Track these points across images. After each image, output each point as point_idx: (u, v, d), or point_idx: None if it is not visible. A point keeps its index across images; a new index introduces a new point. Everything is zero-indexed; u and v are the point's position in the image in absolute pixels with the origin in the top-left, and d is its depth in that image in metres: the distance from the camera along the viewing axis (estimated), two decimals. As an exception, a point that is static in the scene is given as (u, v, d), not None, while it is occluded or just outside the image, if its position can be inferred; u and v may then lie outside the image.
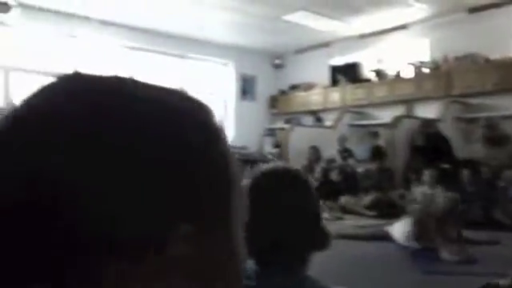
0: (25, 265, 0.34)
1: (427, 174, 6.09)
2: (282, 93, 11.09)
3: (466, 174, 5.86)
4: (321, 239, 1.01)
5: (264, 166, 1.06)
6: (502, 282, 2.45)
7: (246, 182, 1.01)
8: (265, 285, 0.94)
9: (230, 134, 10.55)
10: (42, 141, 0.34)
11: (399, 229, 4.25)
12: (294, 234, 0.97)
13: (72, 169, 0.34)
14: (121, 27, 8.68)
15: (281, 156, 8.97)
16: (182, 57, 9.99)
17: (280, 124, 10.58)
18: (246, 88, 10.94)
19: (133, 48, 9.25)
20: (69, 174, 0.34)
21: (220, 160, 0.41)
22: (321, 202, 1.10)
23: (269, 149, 10.05)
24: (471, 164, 6.05)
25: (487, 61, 7.45)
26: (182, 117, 0.40)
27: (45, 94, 0.38)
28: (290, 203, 0.99)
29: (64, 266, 0.34)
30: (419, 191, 6.14)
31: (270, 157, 9.46)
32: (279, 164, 1.11)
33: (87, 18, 8.16)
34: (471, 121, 7.23)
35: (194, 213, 0.38)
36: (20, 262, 0.34)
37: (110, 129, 0.36)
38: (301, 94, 10.55)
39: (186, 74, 10.01)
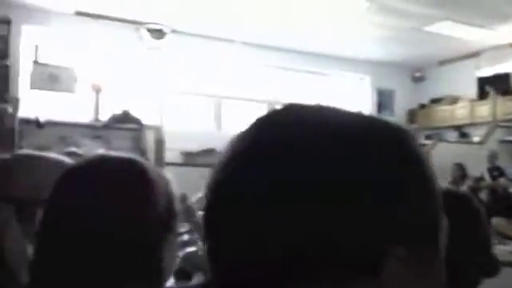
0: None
1: None
2: (422, 107, 10.66)
3: None
4: (491, 265, 1.01)
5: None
6: None
7: None
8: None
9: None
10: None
11: None
12: (467, 260, 0.96)
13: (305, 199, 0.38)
14: (262, 47, 9.12)
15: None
16: (319, 74, 10.17)
17: (420, 139, 10.17)
18: (383, 102, 10.72)
19: (272, 67, 9.65)
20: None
21: (430, 184, 0.43)
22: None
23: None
24: None
25: None
26: (391, 144, 0.44)
27: (270, 124, 0.44)
28: (464, 229, 0.96)
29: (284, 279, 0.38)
30: None
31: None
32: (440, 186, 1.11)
33: (231, 41, 8.73)
34: None
35: (410, 235, 0.40)
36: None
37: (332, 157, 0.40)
38: (443, 108, 10.04)
39: (322, 91, 10.16)
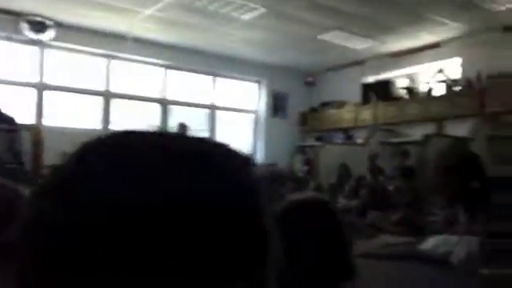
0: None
1: (457, 194, 6.02)
2: (313, 110, 11.16)
3: (496, 193, 5.75)
4: (349, 269, 1.04)
5: (292, 197, 1.08)
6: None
7: (275, 211, 1.07)
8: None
9: (261, 151, 10.68)
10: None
11: (458, 249, 4.17)
12: (324, 265, 1.00)
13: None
14: (154, 45, 8.97)
15: (311, 173, 9.01)
16: (213, 75, 10.24)
17: (311, 141, 10.63)
18: (278, 105, 11.07)
19: (163, 65, 9.53)
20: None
21: (264, 220, 0.43)
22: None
23: (299, 166, 10.11)
24: (503, 183, 5.93)
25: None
26: (228, 176, 0.43)
27: (100, 150, 0.42)
28: (320, 234, 1.01)
29: None
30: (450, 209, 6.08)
31: (300, 174, 9.52)
32: (307, 194, 1.12)
33: (122, 37, 8.48)
34: (506, 138, 7.10)
35: (248, 270, 0.41)
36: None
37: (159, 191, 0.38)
38: (332, 112, 10.59)
39: (217, 92, 10.26)
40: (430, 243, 4.41)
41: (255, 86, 11.00)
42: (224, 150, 0.46)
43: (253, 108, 11.01)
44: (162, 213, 0.37)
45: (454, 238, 4.24)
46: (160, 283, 0.36)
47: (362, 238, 5.85)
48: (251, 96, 10.99)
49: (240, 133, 10.75)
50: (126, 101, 9.17)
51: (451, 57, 8.56)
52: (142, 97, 9.34)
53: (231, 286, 0.39)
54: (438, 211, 6.37)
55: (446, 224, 6.01)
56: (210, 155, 0.43)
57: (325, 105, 10.90)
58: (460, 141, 7.03)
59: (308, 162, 9.62)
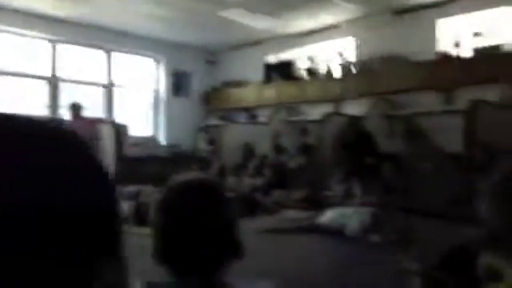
0: None
1: (353, 169, 6.40)
2: (216, 89, 11.13)
3: (388, 167, 6.20)
4: (235, 248, 1.05)
5: (179, 177, 1.07)
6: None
7: (160, 193, 1.06)
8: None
9: (163, 132, 10.47)
10: None
11: (352, 221, 4.38)
12: (208, 245, 1.00)
13: None
14: (42, 18, 8.33)
15: (215, 153, 9.03)
16: (109, 50, 9.76)
17: (214, 121, 10.62)
18: (180, 84, 10.87)
19: (55, 40, 8.91)
20: None
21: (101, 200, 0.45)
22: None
23: (203, 146, 10.07)
24: (393, 158, 6.40)
25: (409, 61, 7.91)
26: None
27: None
28: (204, 215, 1.01)
29: None
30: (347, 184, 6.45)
31: (204, 154, 9.50)
32: (195, 175, 1.12)
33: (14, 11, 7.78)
34: (394, 117, 7.64)
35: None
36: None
37: None
38: (235, 91, 10.63)
39: (114, 69, 9.81)
40: (326, 216, 4.67)
41: (154, 63, 10.68)
42: (55, 132, 0.45)
43: (153, 86, 10.70)
44: None
45: (348, 211, 4.52)
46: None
47: (267, 215, 6.05)
48: (151, 74, 10.66)
49: (140, 112, 10.42)
50: (12, 78, 8.42)
51: (347, 38, 8.95)
52: (28, 74, 8.63)
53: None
54: (336, 186, 6.74)
55: (343, 197, 6.39)
56: (37, 137, 0.43)
57: (227, 84, 10.91)
58: (356, 119, 7.43)
59: (212, 142, 9.62)
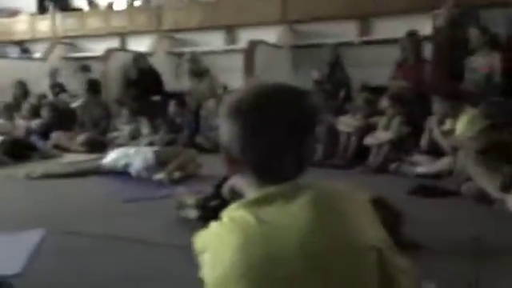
0: None
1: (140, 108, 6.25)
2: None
3: (173, 105, 6.20)
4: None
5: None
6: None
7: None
8: None
9: None
10: None
11: (135, 161, 4.21)
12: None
13: None
14: None
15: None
16: None
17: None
18: None
19: None
20: None
21: None
22: None
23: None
24: (179, 96, 6.43)
25: (193, -1, 7.92)
26: None
27: None
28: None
29: None
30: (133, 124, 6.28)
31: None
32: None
33: None
34: (179, 55, 7.62)
35: None
36: None
37: None
38: (3, 22, 9.26)
39: None
40: (110, 158, 4.47)
41: None
42: None
43: None
44: None
45: (131, 151, 4.40)
46: None
47: (46, 160, 5.52)
48: None
49: None
50: None
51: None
52: None
53: None
54: (123, 126, 6.50)
55: (130, 137, 6.21)
56: None
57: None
58: (141, 56, 7.18)
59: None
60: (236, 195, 1.00)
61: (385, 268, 0.83)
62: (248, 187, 0.91)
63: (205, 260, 0.86)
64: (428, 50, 5.47)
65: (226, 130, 0.89)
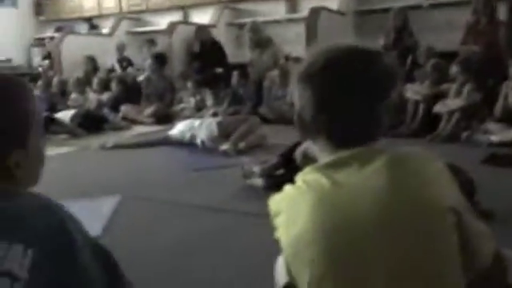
0: None
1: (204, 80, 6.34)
2: (49, -3, 9.94)
3: (236, 77, 6.24)
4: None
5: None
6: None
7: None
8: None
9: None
10: None
11: (201, 132, 4.33)
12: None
13: None
14: None
15: (53, 68, 8.21)
16: None
17: (50, 33, 9.55)
18: (4, -9, 9.44)
19: None
20: None
21: None
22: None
23: (38, 61, 9.07)
24: (241, 68, 6.45)
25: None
26: None
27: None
28: None
29: None
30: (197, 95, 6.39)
31: (40, 69, 8.59)
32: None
33: None
34: (241, 26, 7.61)
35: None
36: None
37: None
38: (71, -1, 9.62)
39: None
40: (176, 129, 4.60)
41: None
42: None
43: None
44: None
45: (197, 122, 4.50)
46: None
47: (116, 131, 5.78)
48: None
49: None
50: None
51: None
52: None
53: None
54: (188, 98, 6.64)
55: (196, 109, 6.34)
56: None
57: (62, -10, 9.77)
58: (203, 28, 7.24)
59: (48, 56, 8.68)
60: (309, 160, 1.00)
61: (465, 231, 0.81)
62: (321, 152, 0.91)
63: (280, 222, 0.87)
64: (502, 12, 5.11)
65: (297, 95, 0.89)
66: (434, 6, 6.47)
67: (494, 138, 3.85)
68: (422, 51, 5.23)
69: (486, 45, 4.89)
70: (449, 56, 4.88)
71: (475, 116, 4.16)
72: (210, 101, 6.33)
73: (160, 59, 7.12)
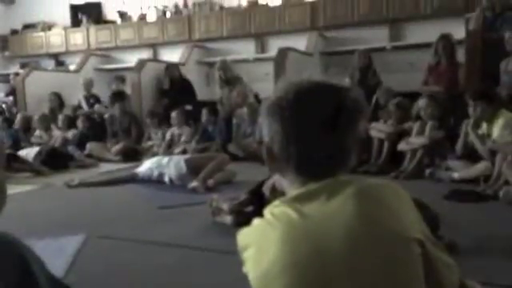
0: None
1: (174, 116, 6.31)
2: (15, 32, 9.84)
3: (206, 114, 6.27)
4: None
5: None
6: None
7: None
8: None
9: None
10: None
11: (169, 169, 4.29)
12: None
13: None
14: None
15: (16, 104, 8.05)
16: None
17: (15, 69, 9.41)
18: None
19: None
20: None
21: None
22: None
23: (1, 97, 8.88)
24: (210, 105, 6.49)
25: (222, 8, 8.01)
26: None
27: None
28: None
29: None
30: (169, 131, 6.35)
31: (3, 106, 8.41)
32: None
33: None
34: (211, 64, 7.71)
35: None
36: None
37: None
38: (38, 35, 9.55)
39: None
40: (144, 166, 4.55)
41: None
42: None
43: None
44: None
45: (165, 160, 4.47)
46: None
47: (82, 169, 5.65)
48: None
49: None
50: None
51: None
52: None
53: None
54: (156, 135, 6.60)
55: (164, 146, 6.29)
56: None
57: (29, 27, 9.71)
58: (173, 65, 7.29)
59: (13, 92, 8.52)
60: (277, 194, 1.00)
61: (430, 262, 0.83)
62: (289, 185, 0.91)
63: (248, 255, 0.87)
64: (461, 54, 5.38)
65: (267, 127, 0.90)
66: (396, 48, 6.75)
67: (456, 175, 3.97)
68: (382, 92, 5.39)
69: (446, 85, 5.10)
70: (411, 96, 5.06)
71: (438, 153, 4.29)
72: (181, 137, 6.28)
73: (117, 96, 7.00)
